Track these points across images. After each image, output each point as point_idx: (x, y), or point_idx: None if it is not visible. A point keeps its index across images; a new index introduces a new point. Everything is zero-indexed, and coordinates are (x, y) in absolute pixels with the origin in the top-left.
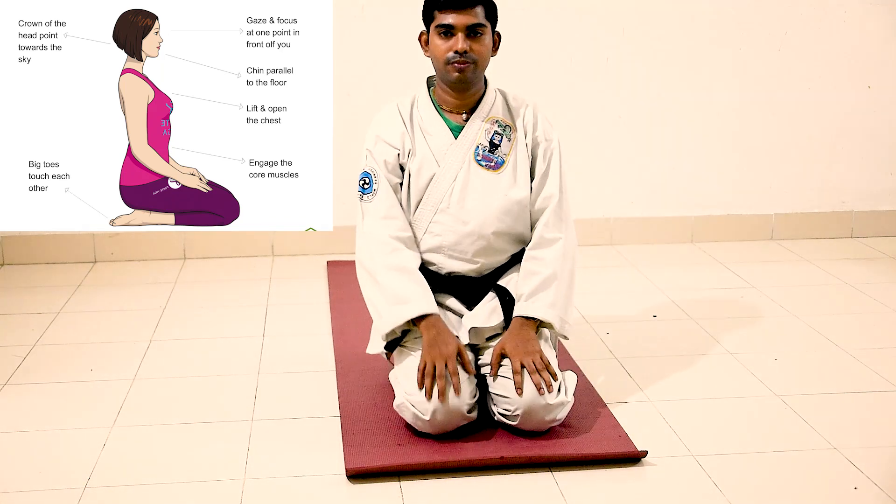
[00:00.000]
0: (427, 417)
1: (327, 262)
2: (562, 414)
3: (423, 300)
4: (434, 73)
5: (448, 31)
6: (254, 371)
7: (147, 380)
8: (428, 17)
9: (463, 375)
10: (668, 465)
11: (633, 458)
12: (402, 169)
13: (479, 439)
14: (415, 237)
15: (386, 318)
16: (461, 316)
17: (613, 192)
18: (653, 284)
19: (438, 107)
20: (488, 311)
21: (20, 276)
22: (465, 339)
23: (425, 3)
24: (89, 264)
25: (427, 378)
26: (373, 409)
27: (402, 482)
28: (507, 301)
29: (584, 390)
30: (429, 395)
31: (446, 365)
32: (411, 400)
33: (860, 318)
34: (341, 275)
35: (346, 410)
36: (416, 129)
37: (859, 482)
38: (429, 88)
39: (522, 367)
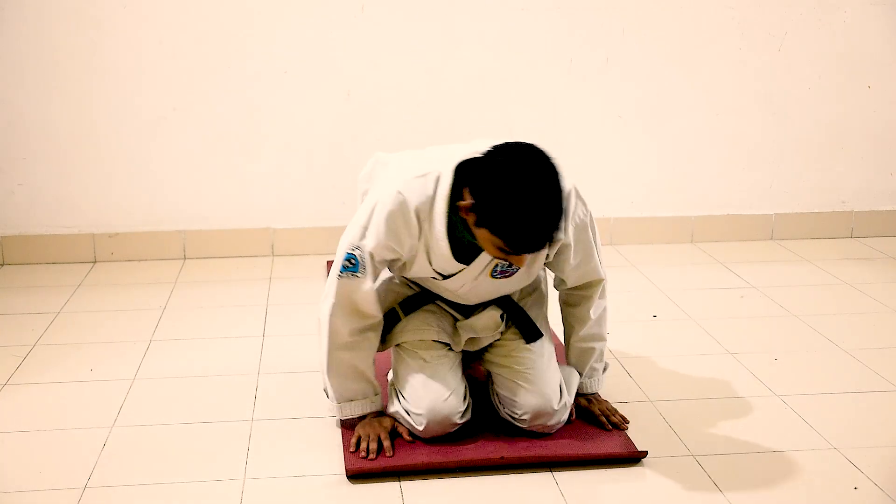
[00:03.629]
0: (420, 429)
1: (327, 262)
2: (566, 416)
3: (366, 399)
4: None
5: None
6: (254, 371)
7: (147, 380)
8: (494, 228)
9: (454, 380)
10: (668, 465)
11: (633, 458)
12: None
13: (479, 439)
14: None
15: (337, 406)
16: (457, 319)
17: (613, 192)
18: (653, 284)
19: (455, 229)
20: (486, 319)
21: (20, 276)
22: (460, 346)
23: (495, 223)
24: (89, 264)
25: (362, 442)
26: None
27: (402, 482)
28: (509, 307)
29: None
30: (364, 454)
31: (379, 437)
32: (408, 408)
33: (860, 318)
34: None
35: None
36: (423, 239)
37: (859, 482)
38: (452, 197)
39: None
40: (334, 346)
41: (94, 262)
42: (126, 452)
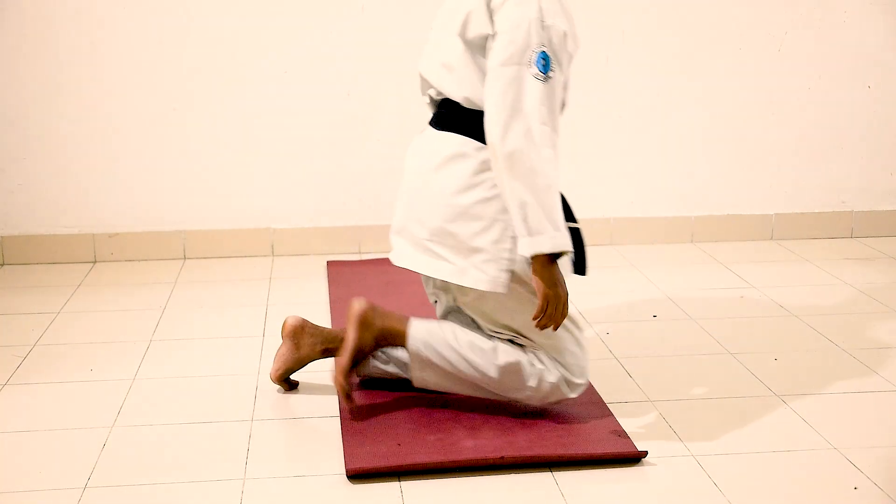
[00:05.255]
0: (573, 396)
1: (327, 262)
2: None
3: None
4: None
5: None
6: (254, 371)
7: (147, 380)
8: None
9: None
10: (668, 465)
11: (633, 458)
12: None
13: (479, 439)
14: None
15: (564, 237)
16: None
17: (613, 192)
18: (653, 284)
19: None
20: None
21: (20, 276)
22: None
23: None
24: (89, 264)
25: (554, 321)
26: (373, 409)
27: (402, 482)
28: None
29: (585, 390)
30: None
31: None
32: (567, 377)
33: (860, 318)
34: (341, 275)
35: (346, 410)
36: None
37: (859, 482)
38: None
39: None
40: (554, 166)
41: (94, 262)
42: (126, 452)
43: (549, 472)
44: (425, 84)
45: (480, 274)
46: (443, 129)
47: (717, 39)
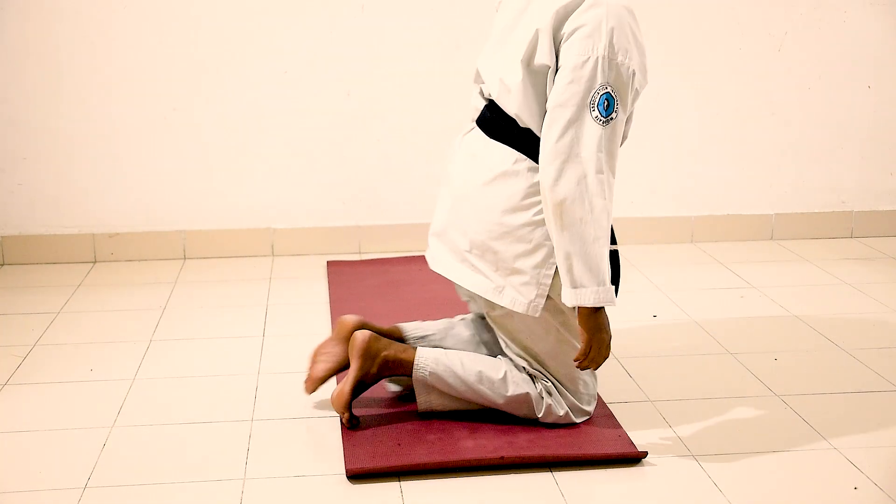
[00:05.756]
0: (578, 422)
1: (327, 262)
2: None
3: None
4: None
5: None
6: (254, 371)
7: (147, 380)
8: None
9: None
10: (668, 465)
11: (633, 458)
12: None
13: (479, 439)
14: None
15: (607, 292)
16: None
17: (614, 191)
18: (653, 284)
19: None
20: None
21: (20, 276)
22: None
23: None
24: (89, 264)
25: (595, 363)
26: (373, 409)
27: (402, 482)
28: None
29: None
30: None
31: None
32: (577, 406)
33: (860, 318)
34: (341, 275)
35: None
36: None
37: (859, 482)
38: None
39: None
40: (608, 223)
41: (94, 262)
42: (126, 452)
43: (549, 472)
44: (479, 78)
45: (518, 295)
46: (495, 138)
47: (717, 39)
